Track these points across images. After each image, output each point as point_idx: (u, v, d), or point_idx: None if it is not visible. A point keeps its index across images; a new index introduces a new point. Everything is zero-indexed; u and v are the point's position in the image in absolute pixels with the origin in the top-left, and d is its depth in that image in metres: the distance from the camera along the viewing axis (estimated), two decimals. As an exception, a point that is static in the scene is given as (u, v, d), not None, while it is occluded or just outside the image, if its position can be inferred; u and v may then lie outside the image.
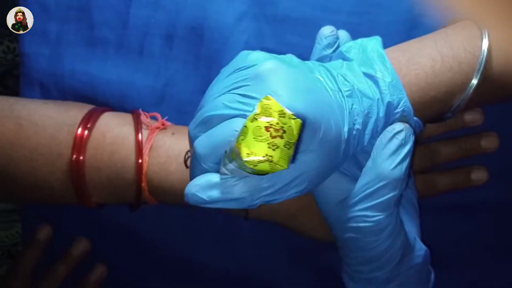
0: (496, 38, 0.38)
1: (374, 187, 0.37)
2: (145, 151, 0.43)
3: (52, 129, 0.44)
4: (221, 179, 0.34)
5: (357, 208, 0.37)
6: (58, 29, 0.51)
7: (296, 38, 0.47)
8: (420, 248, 0.40)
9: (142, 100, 0.50)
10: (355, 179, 0.38)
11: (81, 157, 0.43)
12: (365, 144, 0.37)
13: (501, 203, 0.48)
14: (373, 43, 0.39)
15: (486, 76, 0.39)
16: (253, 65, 0.35)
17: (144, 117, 0.46)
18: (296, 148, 0.32)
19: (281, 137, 0.30)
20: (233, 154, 0.32)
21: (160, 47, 0.49)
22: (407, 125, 0.37)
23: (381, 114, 0.37)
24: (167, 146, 0.44)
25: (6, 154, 0.44)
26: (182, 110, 0.49)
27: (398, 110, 0.38)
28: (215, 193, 0.34)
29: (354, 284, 0.40)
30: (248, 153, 0.30)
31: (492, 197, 0.48)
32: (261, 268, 0.50)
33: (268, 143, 0.30)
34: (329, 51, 0.41)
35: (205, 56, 0.49)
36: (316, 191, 0.39)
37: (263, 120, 0.30)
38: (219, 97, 0.35)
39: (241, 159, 0.30)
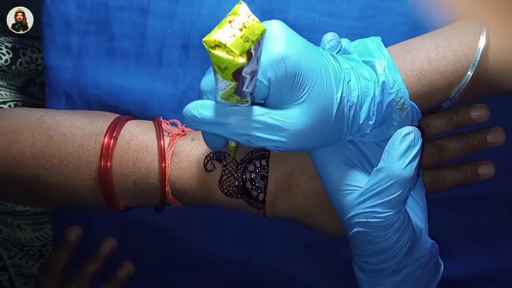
0: (495, 34, 0.40)
1: (385, 185, 0.38)
2: (167, 157, 0.45)
3: (80, 138, 0.46)
4: (216, 103, 0.37)
5: (367, 204, 0.39)
6: (80, 42, 0.53)
7: None
8: (427, 241, 0.42)
9: (162, 107, 0.51)
10: (365, 175, 0.40)
11: (109, 164, 0.45)
12: (361, 122, 0.39)
13: (509, 195, 0.49)
14: (373, 39, 0.42)
15: (483, 70, 0.40)
16: None
17: (165, 124, 0.47)
18: (257, 52, 0.34)
19: (240, 30, 0.33)
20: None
21: (177, 56, 0.51)
22: (415, 128, 0.39)
23: (377, 93, 0.39)
24: (188, 152, 0.45)
25: (38, 164, 0.46)
26: None
27: (393, 90, 0.39)
28: (206, 113, 0.38)
29: (363, 274, 0.42)
30: (208, 36, 0.33)
31: (500, 190, 0.49)
32: (281, 262, 0.52)
33: (228, 32, 0.33)
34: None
35: None
36: (328, 187, 0.41)
37: (230, 18, 0.33)
38: None
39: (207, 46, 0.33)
